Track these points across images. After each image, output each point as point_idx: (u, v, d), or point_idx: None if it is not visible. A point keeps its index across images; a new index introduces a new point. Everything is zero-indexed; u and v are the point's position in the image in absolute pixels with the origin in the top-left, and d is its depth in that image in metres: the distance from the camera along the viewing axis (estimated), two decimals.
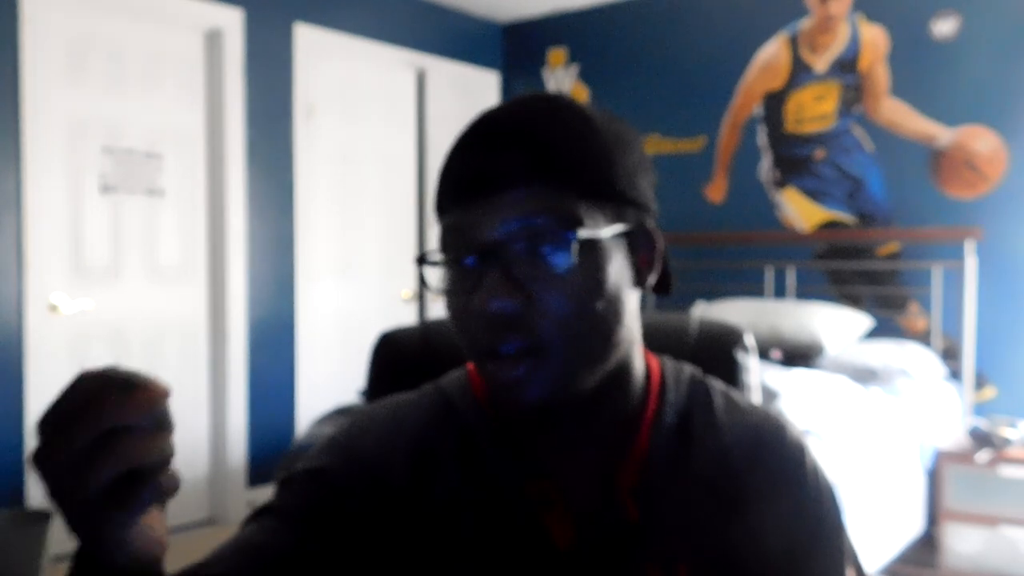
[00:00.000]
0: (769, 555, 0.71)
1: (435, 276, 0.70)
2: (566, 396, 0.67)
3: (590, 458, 0.71)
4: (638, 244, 0.70)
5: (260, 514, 0.71)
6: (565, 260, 0.65)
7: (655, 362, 0.77)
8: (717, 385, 0.79)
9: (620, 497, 0.70)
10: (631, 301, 0.70)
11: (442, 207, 0.70)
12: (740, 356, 1.01)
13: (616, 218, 0.68)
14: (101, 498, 0.47)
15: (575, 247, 0.65)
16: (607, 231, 0.67)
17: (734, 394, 0.79)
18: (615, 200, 0.68)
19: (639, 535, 0.69)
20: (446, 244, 0.69)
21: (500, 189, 0.65)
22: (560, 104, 0.69)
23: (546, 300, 0.65)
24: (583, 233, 0.65)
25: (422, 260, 0.71)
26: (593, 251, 0.66)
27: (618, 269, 0.68)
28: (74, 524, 0.49)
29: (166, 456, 0.50)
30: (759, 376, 1.32)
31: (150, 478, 0.49)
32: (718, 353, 1.00)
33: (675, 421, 0.74)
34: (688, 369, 0.79)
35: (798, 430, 0.78)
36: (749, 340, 1.03)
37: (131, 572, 0.51)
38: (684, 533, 0.70)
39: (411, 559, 0.69)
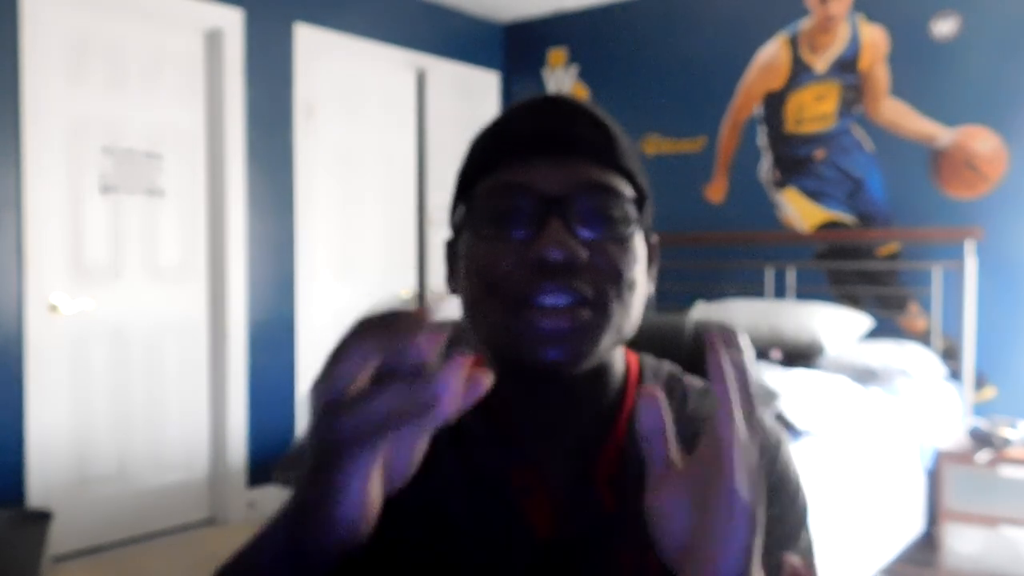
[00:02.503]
0: None
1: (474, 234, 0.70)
2: (587, 363, 0.68)
3: (570, 447, 0.73)
4: (649, 251, 0.75)
5: None
6: (625, 228, 0.68)
7: (633, 357, 0.80)
8: (694, 383, 0.80)
9: (597, 486, 0.72)
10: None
11: (491, 164, 0.70)
12: None
13: (642, 219, 0.73)
14: (356, 434, 0.48)
15: (635, 219, 0.69)
16: (648, 216, 0.73)
17: (712, 393, 0.80)
18: (643, 206, 0.73)
19: (614, 523, 0.71)
20: (497, 197, 0.69)
21: (567, 153, 0.68)
22: (602, 111, 0.74)
23: (602, 260, 0.67)
24: (639, 208, 0.70)
25: (475, 206, 0.70)
26: (639, 231, 0.70)
27: (644, 258, 0.73)
28: (317, 464, 0.49)
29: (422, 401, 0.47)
30: (755, 376, 1.32)
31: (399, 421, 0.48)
32: None
33: None
34: (667, 366, 0.81)
35: (775, 424, 0.80)
36: (744, 340, 1.03)
37: (342, 528, 0.50)
38: None
39: (395, 540, 0.70)
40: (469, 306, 0.71)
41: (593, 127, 0.70)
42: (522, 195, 0.67)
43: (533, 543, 0.71)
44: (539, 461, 0.73)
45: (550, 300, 0.65)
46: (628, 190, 0.70)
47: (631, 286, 0.68)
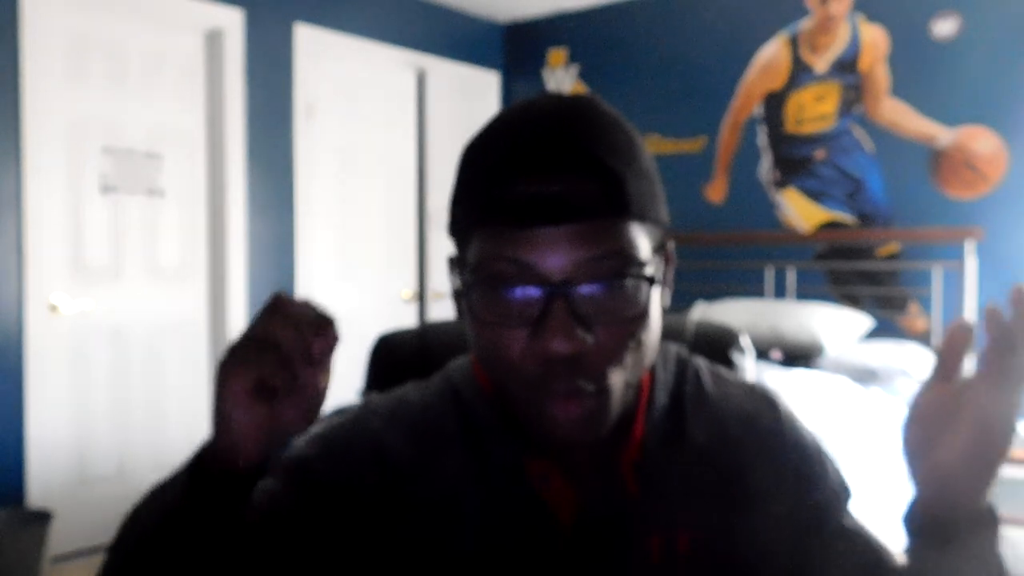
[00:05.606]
0: (769, 519, 0.75)
1: (477, 301, 0.66)
2: (604, 432, 0.67)
3: (589, 445, 0.73)
4: (664, 265, 0.72)
5: None
6: (633, 303, 0.64)
7: None
8: (701, 362, 0.81)
9: (620, 474, 0.72)
10: None
11: (487, 221, 0.64)
12: (736, 357, 1.01)
13: (657, 241, 0.69)
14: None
15: (644, 291, 0.65)
16: (659, 266, 0.68)
17: (718, 368, 0.82)
18: (657, 224, 0.68)
19: (639, 508, 0.71)
20: (496, 269, 0.64)
21: (567, 219, 0.62)
22: (607, 115, 0.67)
23: (610, 341, 0.64)
24: (648, 273, 0.65)
25: (476, 280, 0.65)
26: (651, 288, 0.66)
27: (659, 296, 0.69)
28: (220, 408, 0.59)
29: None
30: (755, 377, 1.33)
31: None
32: (714, 354, 1.00)
33: (667, 400, 0.76)
34: (673, 349, 0.81)
35: (784, 399, 0.82)
36: (744, 341, 1.03)
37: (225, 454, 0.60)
38: (683, 503, 0.73)
39: (414, 537, 0.71)
40: (478, 356, 0.69)
41: (600, 175, 0.63)
42: (523, 279, 0.63)
43: (556, 531, 0.70)
44: (558, 454, 0.72)
45: (560, 389, 0.64)
46: (640, 238, 0.65)
47: (640, 344, 0.66)
